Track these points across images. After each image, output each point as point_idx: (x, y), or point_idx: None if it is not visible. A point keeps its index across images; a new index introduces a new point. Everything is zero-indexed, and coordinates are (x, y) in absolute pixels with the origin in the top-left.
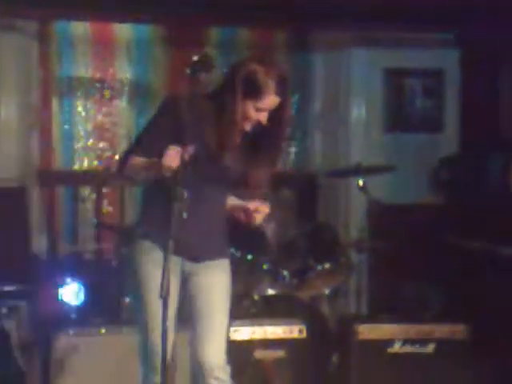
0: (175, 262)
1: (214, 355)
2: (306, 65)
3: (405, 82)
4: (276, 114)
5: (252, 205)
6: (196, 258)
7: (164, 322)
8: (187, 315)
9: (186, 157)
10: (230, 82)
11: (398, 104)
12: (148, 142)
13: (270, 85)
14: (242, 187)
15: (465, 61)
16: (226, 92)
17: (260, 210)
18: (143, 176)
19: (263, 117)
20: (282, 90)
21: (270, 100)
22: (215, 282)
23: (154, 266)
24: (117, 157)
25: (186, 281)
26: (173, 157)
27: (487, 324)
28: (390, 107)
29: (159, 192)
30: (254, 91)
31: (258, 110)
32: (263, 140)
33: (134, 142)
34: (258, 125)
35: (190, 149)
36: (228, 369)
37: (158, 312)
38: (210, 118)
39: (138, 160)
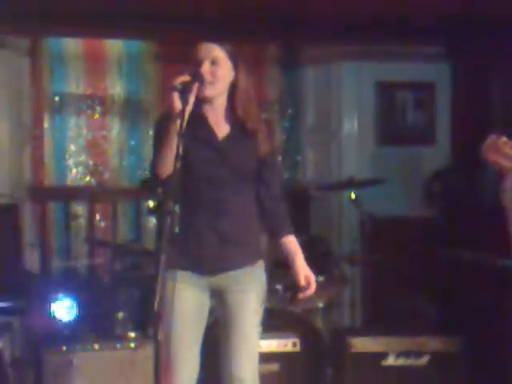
0: (198, 280)
1: (245, 368)
2: (297, 79)
3: (396, 96)
4: (234, 88)
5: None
6: (227, 268)
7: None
8: (220, 327)
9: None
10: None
11: (390, 117)
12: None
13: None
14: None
15: (456, 74)
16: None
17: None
18: (168, 151)
19: (204, 68)
20: (234, 63)
21: (205, 46)
22: (246, 296)
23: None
24: (106, 175)
25: (217, 297)
26: (174, 100)
27: (481, 336)
28: (382, 120)
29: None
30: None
31: (198, 62)
32: (239, 119)
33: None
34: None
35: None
36: (258, 383)
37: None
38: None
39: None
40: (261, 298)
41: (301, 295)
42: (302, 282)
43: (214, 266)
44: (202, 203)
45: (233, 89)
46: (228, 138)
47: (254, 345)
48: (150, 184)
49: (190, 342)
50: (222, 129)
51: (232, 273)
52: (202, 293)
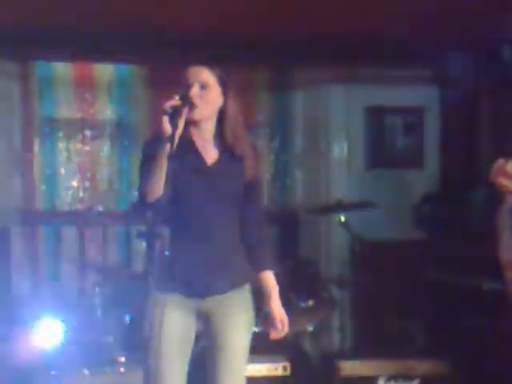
0: (186, 303)
1: None
2: (286, 103)
3: (385, 120)
4: (223, 114)
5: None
6: (208, 293)
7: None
8: (207, 349)
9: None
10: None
11: (379, 141)
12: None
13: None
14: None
15: (444, 98)
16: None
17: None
18: (158, 175)
19: (193, 91)
20: (223, 88)
21: (193, 70)
22: (234, 318)
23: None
24: (97, 199)
25: (204, 321)
26: (163, 121)
27: (470, 359)
28: (371, 144)
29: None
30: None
31: (188, 86)
32: (228, 143)
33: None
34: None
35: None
36: None
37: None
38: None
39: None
40: (249, 321)
41: (273, 335)
42: (278, 326)
43: (202, 290)
44: (190, 227)
45: (222, 113)
46: (216, 163)
47: (242, 367)
48: (139, 208)
49: (177, 365)
50: (210, 154)
51: (219, 296)
52: (188, 316)
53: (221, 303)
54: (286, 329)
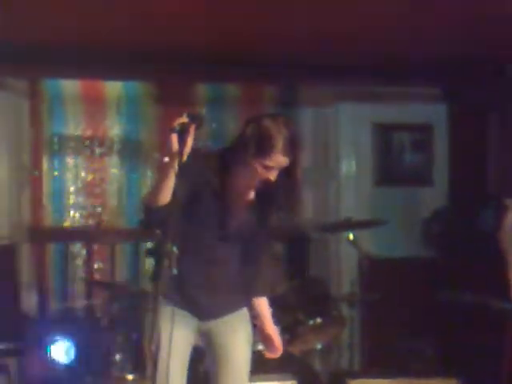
0: (189, 320)
1: None
2: (294, 120)
3: (393, 137)
4: (287, 173)
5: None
6: (208, 317)
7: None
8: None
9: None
10: (243, 137)
11: (387, 158)
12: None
13: (280, 143)
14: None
15: (453, 115)
16: (238, 146)
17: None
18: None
19: (271, 175)
20: (292, 150)
21: (278, 158)
22: (235, 335)
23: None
24: (105, 216)
25: (204, 339)
26: (172, 141)
27: (480, 378)
28: (379, 161)
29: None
30: (264, 148)
31: (266, 167)
32: (274, 197)
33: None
34: (267, 183)
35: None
36: None
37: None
38: (216, 175)
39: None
40: (249, 338)
41: (269, 355)
42: (275, 347)
43: (206, 313)
44: (201, 251)
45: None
46: (242, 220)
47: (243, 378)
48: (144, 220)
49: (179, 380)
50: (239, 207)
51: (221, 319)
52: (190, 333)
53: (223, 323)
54: (281, 349)
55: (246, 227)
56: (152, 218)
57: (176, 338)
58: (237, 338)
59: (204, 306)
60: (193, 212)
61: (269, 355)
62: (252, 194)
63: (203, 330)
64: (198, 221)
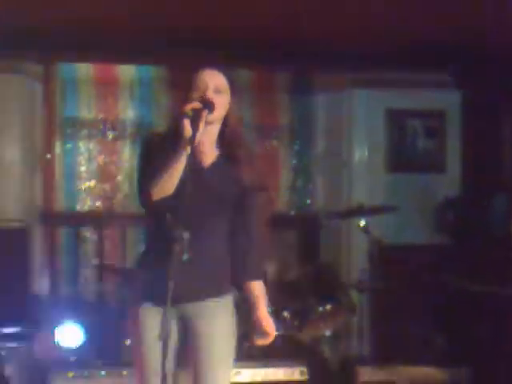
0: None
1: None
2: (307, 106)
3: (406, 123)
4: (227, 118)
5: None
6: (194, 298)
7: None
8: (188, 362)
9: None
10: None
11: (400, 145)
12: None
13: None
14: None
15: (466, 101)
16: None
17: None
18: (175, 175)
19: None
20: (232, 93)
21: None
22: (217, 329)
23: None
24: (117, 200)
25: (185, 327)
26: (184, 126)
27: (488, 366)
28: (392, 148)
29: (158, 234)
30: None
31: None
32: (228, 147)
33: (139, 180)
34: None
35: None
36: None
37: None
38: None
39: (155, 174)
40: (230, 328)
41: (259, 341)
42: (267, 329)
43: (180, 296)
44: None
45: (226, 118)
46: (212, 165)
47: (224, 372)
48: (143, 205)
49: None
50: (210, 156)
51: (199, 303)
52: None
53: (200, 309)
54: (273, 335)
55: (221, 169)
56: (149, 207)
57: (148, 327)
58: (214, 328)
59: (177, 289)
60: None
61: (260, 341)
62: (211, 149)
63: (180, 315)
64: (177, 188)
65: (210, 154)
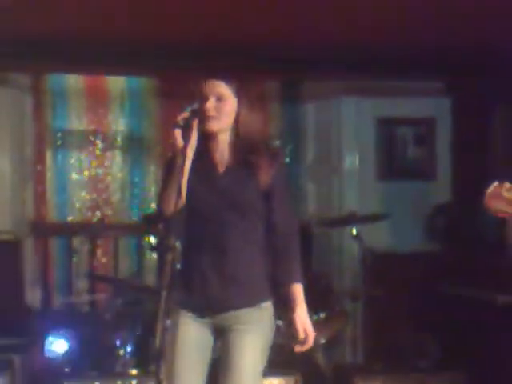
0: (201, 317)
1: None
2: (297, 115)
3: (396, 131)
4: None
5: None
6: (222, 310)
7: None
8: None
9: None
10: None
11: (390, 152)
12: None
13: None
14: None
15: (456, 109)
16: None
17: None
18: (172, 187)
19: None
20: (239, 99)
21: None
22: (247, 335)
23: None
24: (108, 211)
25: (219, 334)
26: (176, 137)
27: (482, 373)
28: (382, 156)
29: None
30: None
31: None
32: (241, 154)
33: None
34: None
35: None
36: None
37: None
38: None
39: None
40: (265, 340)
41: (297, 348)
42: (301, 335)
43: (216, 306)
44: (205, 242)
45: (236, 124)
46: (228, 171)
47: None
48: (154, 219)
49: (192, 380)
50: (224, 163)
51: (234, 313)
52: (204, 329)
53: (235, 319)
54: (311, 342)
55: (238, 174)
56: (163, 220)
57: (183, 336)
58: (247, 340)
59: (212, 300)
60: (191, 195)
61: (297, 348)
62: (225, 157)
63: (216, 325)
64: (196, 198)
65: (222, 162)
